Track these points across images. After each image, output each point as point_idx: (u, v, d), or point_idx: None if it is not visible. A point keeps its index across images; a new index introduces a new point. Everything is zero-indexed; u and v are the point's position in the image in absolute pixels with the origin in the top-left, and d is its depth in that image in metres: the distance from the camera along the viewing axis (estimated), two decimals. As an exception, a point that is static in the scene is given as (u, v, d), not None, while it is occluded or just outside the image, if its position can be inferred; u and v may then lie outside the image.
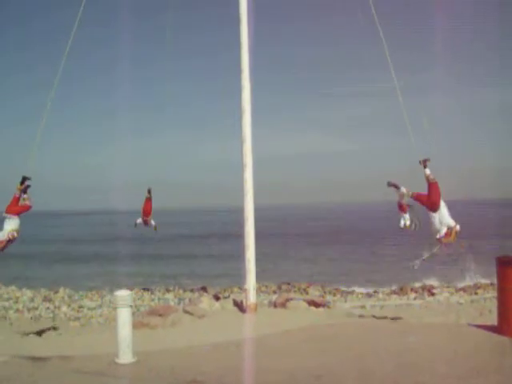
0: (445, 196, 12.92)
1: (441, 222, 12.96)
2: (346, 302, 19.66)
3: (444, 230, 12.84)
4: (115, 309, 10.54)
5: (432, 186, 12.95)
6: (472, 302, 18.37)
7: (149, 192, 18.15)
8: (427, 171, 13.03)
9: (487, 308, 15.35)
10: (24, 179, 14.26)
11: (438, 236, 12.94)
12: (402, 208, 14.18)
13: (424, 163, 13.10)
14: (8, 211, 14.19)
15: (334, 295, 22.22)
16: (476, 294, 20.95)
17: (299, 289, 24.03)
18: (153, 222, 18.22)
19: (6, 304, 20.68)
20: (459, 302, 18.40)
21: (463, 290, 22.19)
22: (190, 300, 20.26)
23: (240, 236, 15.68)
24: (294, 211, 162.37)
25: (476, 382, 8.27)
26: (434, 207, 12.91)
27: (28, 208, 14.37)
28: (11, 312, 19.24)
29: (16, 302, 21.11)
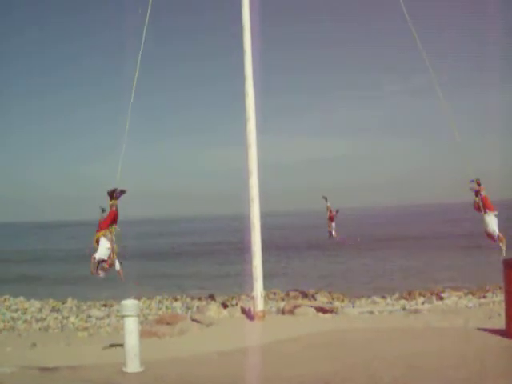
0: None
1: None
2: (353, 307, 19.58)
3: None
4: (122, 318, 10.54)
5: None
6: (481, 305, 18.27)
7: None
8: None
9: (496, 311, 15.26)
10: None
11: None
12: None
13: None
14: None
15: (342, 301, 22.13)
16: (485, 297, 20.82)
17: (307, 295, 23.96)
18: None
19: (15, 315, 20.72)
20: (468, 306, 18.30)
21: (472, 293, 22.06)
22: (197, 308, 20.26)
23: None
24: (300, 218, 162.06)
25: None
26: None
27: None
28: (19, 323, 19.28)
29: (24, 313, 21.14)
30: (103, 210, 17.56)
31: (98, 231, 13.21)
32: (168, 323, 15.50)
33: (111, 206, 13.56)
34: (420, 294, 22.53)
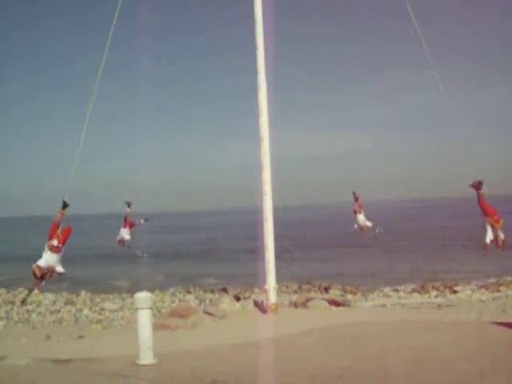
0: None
1: None
2: (366, 301, 19.56)
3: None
4: (136, 310, 10.60)
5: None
6: (494, 299, 18.20)
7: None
8: None
9: (509, 305, 15.22)
10: None
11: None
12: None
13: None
14: None
15: (355, 294, 22.13)
16: (498, 291, 20.75)
17: (320, 288, 23.98)
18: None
19: (29, 308, 20.88)
20: (481, 300, 18.23)
21: (485, 287, 21.98)
22: (210, 301, 20.33)
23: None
24: (311, 211, 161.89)
25: (498, 380, 8.20)
26: None
27: None
28: (34, 315, 19.42)
29: (38, 306, 21.30)
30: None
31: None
32: (181, 316, 15.55)
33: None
34: (433, 288, 22.47)
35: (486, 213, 15.24)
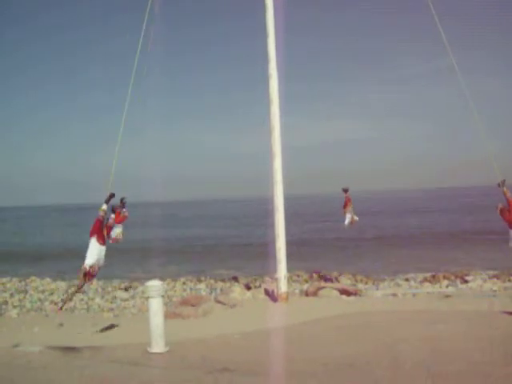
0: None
1: None
2: (377, 290, 19.54)
3: None
4: (147, 299, 10.66)
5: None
6: (505, 289, 18.14)
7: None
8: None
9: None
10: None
11: None
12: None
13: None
14: None
15: (366, 283, 22.12)
16: (510, 281, 20.68)
17: (331, 277, 23.96)
18: None
19: (42, 296, 21.02)
20: (492, 290, 18.18)
21: (496, 277, 21.89)
22: (221, 290, 20.39)
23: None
24: (319, 200, 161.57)
25: (509, 369, 8.19)
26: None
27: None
28: (46, 304, 19.54)
29: (51, 294, 21.43)
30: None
31: None
32: (192, 305, 15.62)
33: None
34: (444, 277, 22.40)
35: None
